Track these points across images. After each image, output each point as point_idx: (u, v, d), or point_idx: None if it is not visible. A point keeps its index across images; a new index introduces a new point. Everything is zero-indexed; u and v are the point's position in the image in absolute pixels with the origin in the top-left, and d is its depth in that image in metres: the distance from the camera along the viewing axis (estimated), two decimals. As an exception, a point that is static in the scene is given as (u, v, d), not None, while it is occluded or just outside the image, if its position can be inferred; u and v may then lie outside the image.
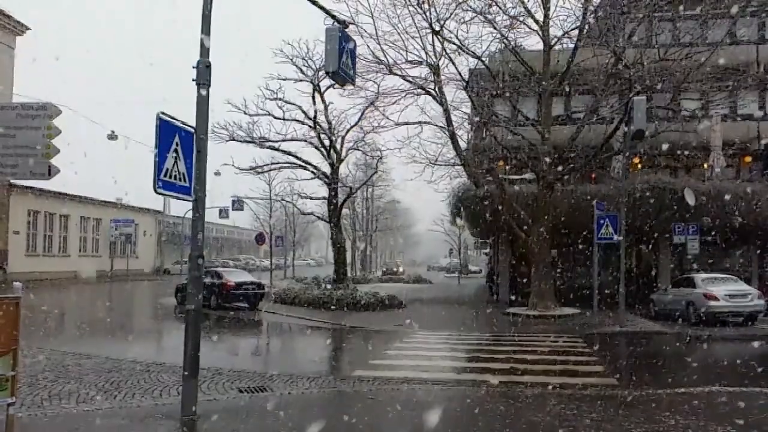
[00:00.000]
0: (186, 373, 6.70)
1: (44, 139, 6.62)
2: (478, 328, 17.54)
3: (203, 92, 6.78)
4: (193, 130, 6.76)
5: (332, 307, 21.01)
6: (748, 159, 24.83)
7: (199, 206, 6.91)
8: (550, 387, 9.02)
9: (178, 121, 6.58)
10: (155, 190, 6.28)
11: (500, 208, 21.24)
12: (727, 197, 20.58)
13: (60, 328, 17.51)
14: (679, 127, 19.72)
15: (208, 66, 6.79)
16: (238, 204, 42.54)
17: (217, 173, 31.63)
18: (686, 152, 21.34)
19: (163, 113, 6.36)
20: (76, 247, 41.18)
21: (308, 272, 47.63)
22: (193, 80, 6.76)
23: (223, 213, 45.77)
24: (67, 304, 24.58)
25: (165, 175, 6.32)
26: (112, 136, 38.40)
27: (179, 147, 6.52)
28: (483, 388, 9.14)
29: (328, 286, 26.14)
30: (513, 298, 24.21)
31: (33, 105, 6.96)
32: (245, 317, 20.10)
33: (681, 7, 19.09)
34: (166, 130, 6.39)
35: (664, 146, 19.28)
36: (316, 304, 21.66)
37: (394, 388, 8.98)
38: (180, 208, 49.70)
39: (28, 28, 32.61)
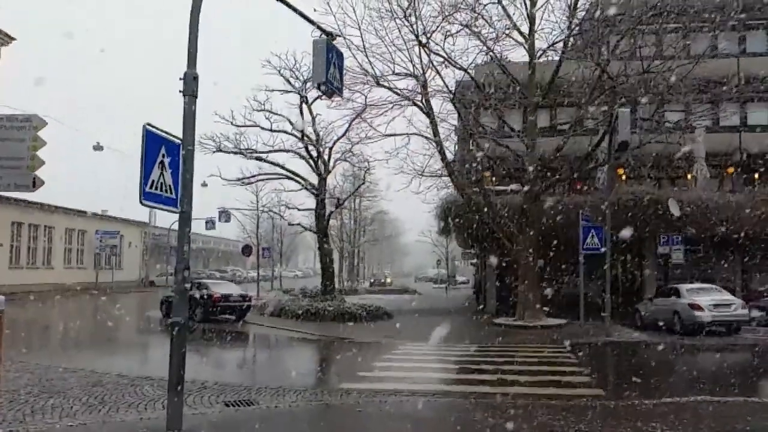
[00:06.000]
0: (171, 386, 6.63)
1: (29, 151, 6.56)
2: (466, 339, 17.52)
3: (190, 103, 6.76)
4: (179, 142, 6.73)
5: (320, 319, 20.92)
6: (731, 170, 25.16)
7: (185, 218, 6.87)
8: (537, 398, 9.03)
9: (164, 132, 6.55)
10: (141, 202, 6.24)
11: (487, 218, 21.33)
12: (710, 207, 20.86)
13: (44, 341, 17.28)
14: (663, 138, 19.96)
15: (195, 77, 6.78)
16: (224, 215, 42.28)
17: (204, 184, 31.40)
18: (671, 163, 21.60)
19: (149, 125, 6.34)
20: (61, 259, 40.69)
21: (296, 284, 47.43)
22: (180, 91, 6.74)
23: (209, 224, 45.47)
24: (51, 316, 24.26)
25: (151, 187, 6.28)
26: (98, 147, 38.17)
27: (165, 159, 6.48)
28: (471, 399, 9.14)
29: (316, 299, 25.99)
30: (500, 308, 24.29)
31: (18, 116, 6.90)
32: (232, 329, 19.94)
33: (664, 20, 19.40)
34: (153, 142, 6.35)
35: (649, 157, 19.50)
36: (303, 316, 21.54)
37: (382, 400, 8.94)
38: (166, 219, 49.26)
39: (13, 39, 32.34)
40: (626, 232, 16.84)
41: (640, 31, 19.64)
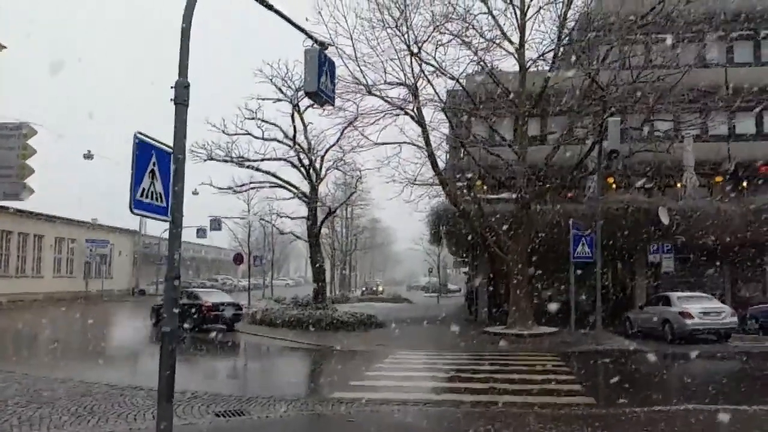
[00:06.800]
0: (161, 396, 6.57)
1: (19, 160, 6.54)
2: (458, 347, 17.52)
3: (181, 112, 6.75)
4: (170, 150, 6.71)
5: (311, 328, 20.85)
6: (720, 178, 25.37)
7: (175, 226, 6.84)
8: (528, 406, 9.03)
9: (155, 140, 6.54)
10: (131, 211, 6.21)
11: (478, 227, 21.37)
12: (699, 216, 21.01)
13: (32, 351, 17.10)
14: (652, 147, 20.11)
15: (187, 86, 6.77)
16: (215, 223, 42.17)
17: (195, 192, 31.34)
18: (660, 172, 21.78)
19: (140, 133, 6.32)
20: (50, 268, 40.35)
21: (287, 292, 47.30)
22: (171, 100, 6.73)
23: (200, 232, 45.34)
24: (40, 326, 24.02)
25: (141, 195, 6.26)
26: (88, 156, 38.01)
27: (156, 167, 6.46)
28: (462, 408, 9.12)
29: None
30: (491, 316, 24.30)
31: (8, 125, 6.88)
32: (223, 339, 19.83)
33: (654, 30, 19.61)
34: (143, 150, 6.33)
35: (638, 166, 19.64)
36: (294, 325, 21.46)
37: (373, 409, 8.92)
38: (156, 227, 49.04)
39: (3, 47, 32.21)
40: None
41: (630, 41, 19.82)
